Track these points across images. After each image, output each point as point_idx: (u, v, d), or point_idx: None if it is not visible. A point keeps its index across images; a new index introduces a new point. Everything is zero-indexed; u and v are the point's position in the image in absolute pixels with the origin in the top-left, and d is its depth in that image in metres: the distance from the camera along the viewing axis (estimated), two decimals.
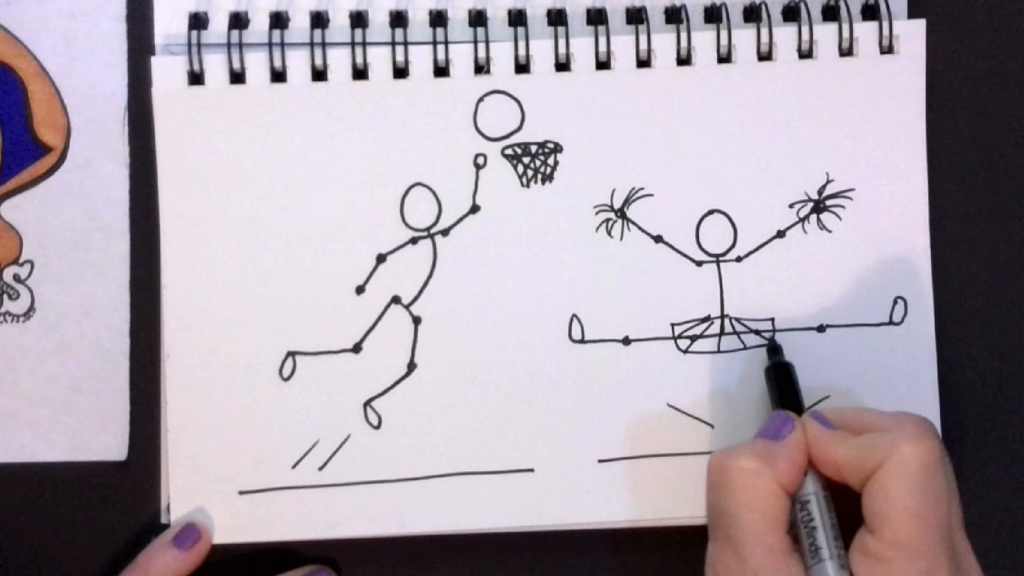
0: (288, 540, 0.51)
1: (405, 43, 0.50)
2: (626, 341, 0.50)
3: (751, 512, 0.41)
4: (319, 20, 0.50)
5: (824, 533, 0.42)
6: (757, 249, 0.50)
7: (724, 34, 0.50)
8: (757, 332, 0.50)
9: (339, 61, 0.50)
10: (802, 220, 0.50)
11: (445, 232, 0.50)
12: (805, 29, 0.50)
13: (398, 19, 0.51)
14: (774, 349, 0.49)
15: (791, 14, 0.51)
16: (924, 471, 0.40)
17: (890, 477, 0.40)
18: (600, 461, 0.50)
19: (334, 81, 0.50)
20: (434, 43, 0.50)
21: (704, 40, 0.50)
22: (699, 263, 0.50)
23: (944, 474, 0.41)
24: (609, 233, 0.50)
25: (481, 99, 0.50)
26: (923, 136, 0.50)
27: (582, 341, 0.50)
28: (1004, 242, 0.52)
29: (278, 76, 0.50)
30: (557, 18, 0.51)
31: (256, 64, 0.50)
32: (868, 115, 0.50)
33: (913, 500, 0.40)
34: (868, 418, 0.43)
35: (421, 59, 0.50)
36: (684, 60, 0.50)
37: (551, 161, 0.50)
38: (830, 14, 0.51)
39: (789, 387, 0.47)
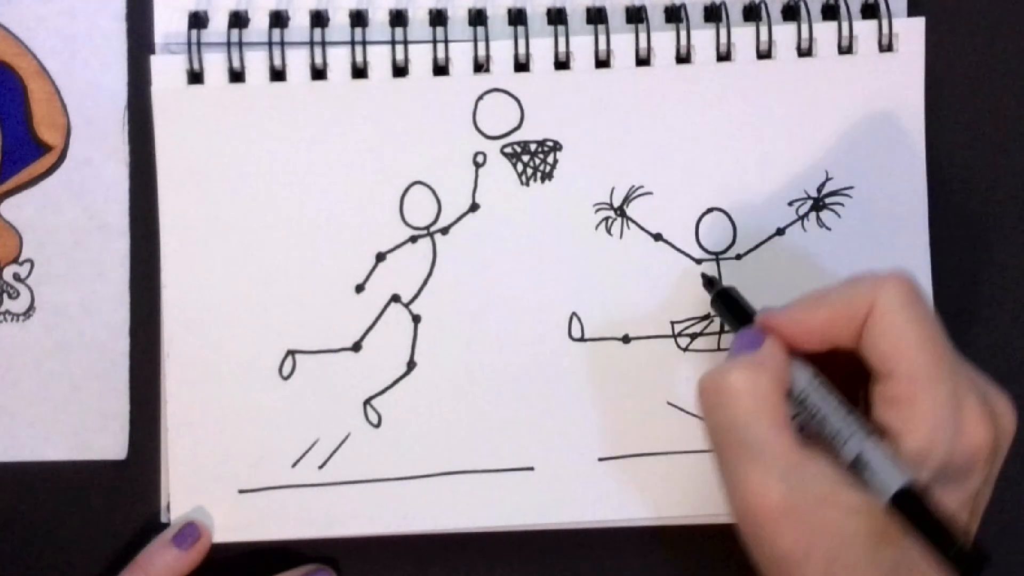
0: (288, 539, 0.51)
1: (405, 42, 0.50)
2: (626, 339, 0.50)
3: (759, 417, 0.40)
4: (319, 19, 0.50)
5: (838, 413, 0.40)
6: (757, 247, 0.50)
7: (724, 32, 0.50)
8: None
9: (339, 60, 0.50)
10: (801, 218, 0.50)
11: (444, 231, 0.50)
12: (804, 27, 0.50)
13: (398, 18, 0.51)
14: (710, 282, 0.48)
15: (790, 13, 0.51)
16: (913, 299, 0.40)
17: (885, 315, 0.40)
18: (600, 459, 0.50)
19: (334, 80, 0.50)
20: (434, 42, 0.50)
21: (704, 38, 0.50)
22: (699, 261, 0.50)
23: (928, 300, 0.41)
24: (609, 231, 0.50)
25: (480, 97, 0.50)
26: (922, 134, 0.51)
27: (582, 339, 0.50)
28: (1004, 240, 0.52)
29: (278, 75, 0.50)
30: (557, 17, 0.51)
31: (256, 63, 0.50)
32: (867, 113, 0.50)
33: (915, 327, 0.40)
34: (824, 290, 0.42)
35: (421, 58, 0.50)
36: (684, 58, 0.50)
37: (550, 159, 0.50)
38: (829, 13, 0.51)
39: (740, 308, 0.46)
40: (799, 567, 0.40)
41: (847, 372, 0.42)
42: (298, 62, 0.50)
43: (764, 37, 0.50)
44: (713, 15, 0.51)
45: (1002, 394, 0.42)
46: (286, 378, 0.50)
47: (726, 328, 0.50)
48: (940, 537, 0.37)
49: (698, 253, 0.50)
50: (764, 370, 0.41)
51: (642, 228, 0.50)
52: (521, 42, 0.50)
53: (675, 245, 0.50)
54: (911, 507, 0.38)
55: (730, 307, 0.46)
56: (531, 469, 0.50)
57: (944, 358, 0.40)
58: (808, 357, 0.42)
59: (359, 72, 0.50)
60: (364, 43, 0.50)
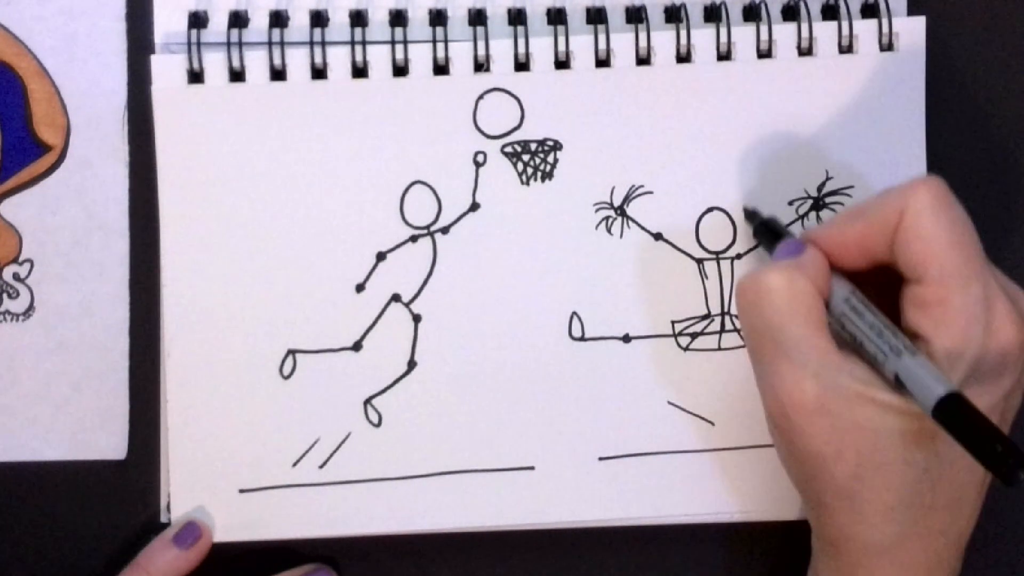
0: (288, 539, 0.51)
1: (405, 41, 0.50)
2: (626, 339, 0.50)
3: (795, 316, 0.41)
4: (319, 19, 0.50)
5: (875, 330, 0.41)
6: (757, 246, 0.50)
7: (724, 31, 0.50)
8: None
9: (339, 59, 0.50)
10: (801, 217, 0.50)
11: (445, 230, 0.50)
12: (805, 26, 0.50)
13: (398, 18, 0.51)
14: (751, 214, 0.49)
15: (790, 13, 0.51)
16: (945, 202, 0.40)
17: (916, 217, 0.40)
18: (600, 459, 0.50)
19: (334, 79, 0.50)
20: (434, 41, 0.50)
21: (704, 37, 0.50)
22: (699, 260, 0.50)
23: (960, 205, 0.41)
24: (609, 231, 0.50)
25: (481, 97, 0.50)
26: (922, 133, 0.51)
27: (582, 339, 0.50)
28: (1004, 240, 0.52)
29: (278, 74, 0.50)
30: (557, 16, 0.51)
31: (256, 62, 0.50)
32: (868, 112, 0.50)
33: (946, 230, 0.40)
34: (861, 203, 0.43)
35: (421, 57, 0.50)
36: (684, 58, 0.50)
37: (551, 159, 0.50)
38: (829, 12, 0.51)
39: (786, 233, 0.47)
40: (829, 466, 0.41)
41: (888, 291, 0.42)
42: (298, 62, 0.50)
43: (764, 36, 0.50)
44: (713, 15, 0.51)
45: None
46: (287, 377, 0.50)
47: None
48: (982, 444, 0.37)
49: (698, 252, 0.50)
50: (801, 272, 0.42)
51: (642, 227, 0.50)
52: (521, 41, 0.50)
53: (675, 244, 0.50)
54: (953, 414, 0.38)
55: (778, 235, 0.47)
56: (531, 468, 0.50)
57: (974, 259, 0.40)
58: (851, 277, 0.43)
59: (359, 72, 0.50)
60: (364, 43, 0.50)
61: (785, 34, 0.50)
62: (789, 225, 0.50)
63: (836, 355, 0.41)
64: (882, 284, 0.42)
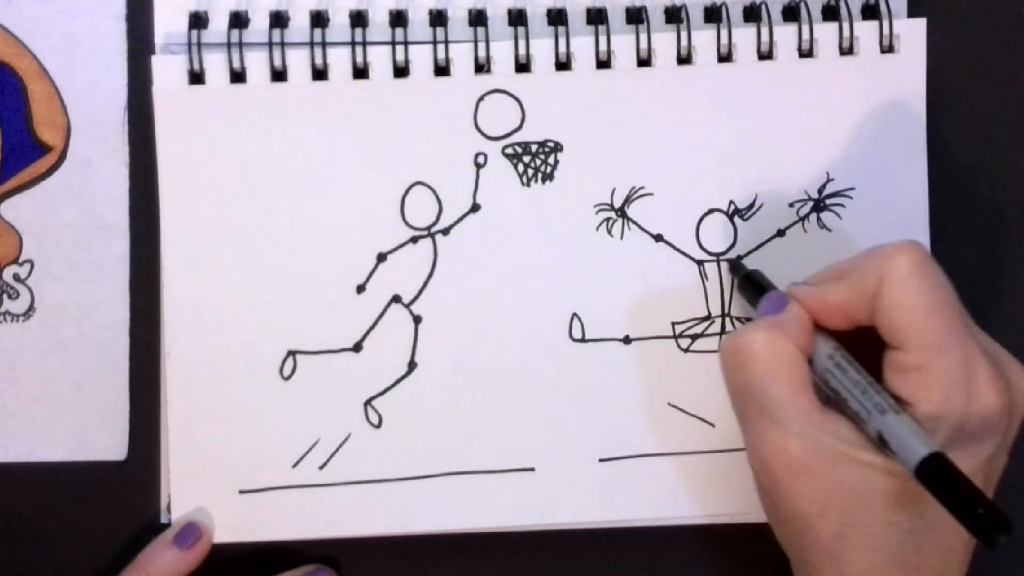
0: (288, 539, 0.51)
1: (405, 42, 0.50)
2: (627, 340, 0.50)
3: (777, 378, 0.41)
4: (319, 19, 0.50)
5: (858, 388, 0.41)
6: (757, 248, 0.50)
7: (724, 33, 0.50)
8: None
9: (339, 60, 0.50)
10: (802, 219, 0.50)
11: (445, 231, 0.50)
12: (805, 28, 0.50)
13: (398, 18, 0.51)
14: (735, 266, 0.50)
15: (791, 14, 0.51)
16: (922, 269, 0.41)
17: (894, 286, 0.40)
18: (601, 460, 0.50)
19: (334, 80, 0.50)
20: (434, 42, 0.50)
21: (704, 39, 0.50)
22: (700, 262, 0.50)
23: (940, 269, 0.41)
24: (609, 232, 0.50)
25: (481, 98, 0.50)
26: (923, 135, 0.51)
27: (583, 340, 0.50)
28: (1005, 241, 0.53)
29: (278, 75, 0.50)
30: (557, 17, 0.51)
31: (256, 63, 0.50)
32: (868, 114, 0.50)
33: (924, 297, 0.40)
34: (845, 264, 0.43)
35: (421, 58, 0.50)
36: (684, 59, 0.50)
37: (551, 160, 0.50)
38: (830, 14, 0.51)
39: (769, 286, 0.47)
40: (813, 525, 0.41)
41: (872, 346, 0.42)
42: (299, 62, 0.50)
43: (765, 38, 0.50)
44: (713, 16, 0.51)
45: (1015, 361, 0.42)
46: (287, 378, 0.50)
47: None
48: (964, 505, 0.37)
49: (699, 254, 0.50)
50: (784, 331, 0.42)
51: (643, 229, 0.50)
52: (522, 43, 0.50)
53: (676, 246, 0.50)
54: (935, 475, 0.38)
55: (761, 288, 0.47)
56: (532, 470, 0.50)
57: (954, 325, 0.40)
58: (834, 334, 0.43)
59: (360, 73, 0.50)
60: (364, 44, 0.50)
61: (786, 35, 0.50)
62: (790, 227, 0.50)
63: (819, 415, 0.41)
64: (867, 343, 0.42)
